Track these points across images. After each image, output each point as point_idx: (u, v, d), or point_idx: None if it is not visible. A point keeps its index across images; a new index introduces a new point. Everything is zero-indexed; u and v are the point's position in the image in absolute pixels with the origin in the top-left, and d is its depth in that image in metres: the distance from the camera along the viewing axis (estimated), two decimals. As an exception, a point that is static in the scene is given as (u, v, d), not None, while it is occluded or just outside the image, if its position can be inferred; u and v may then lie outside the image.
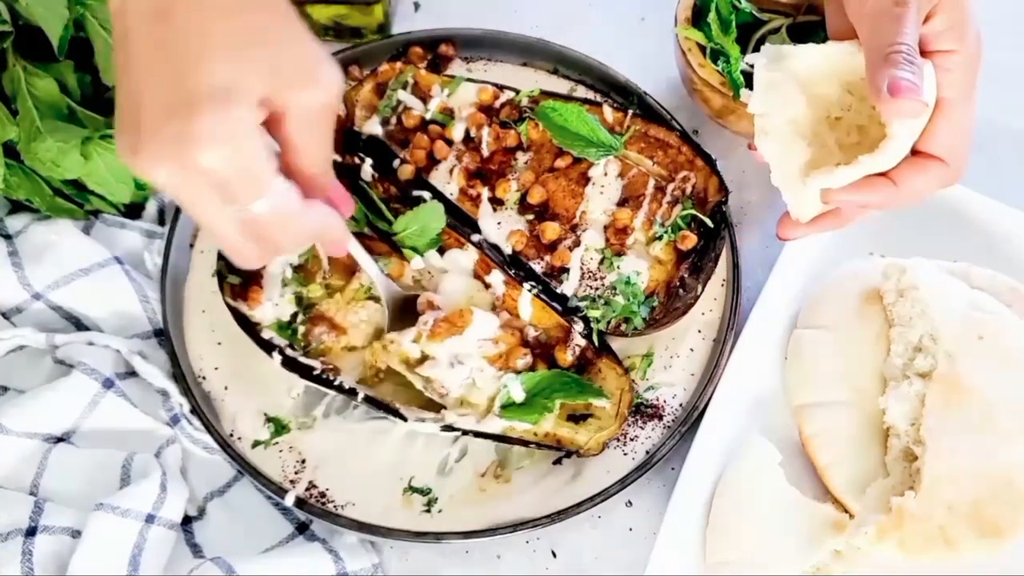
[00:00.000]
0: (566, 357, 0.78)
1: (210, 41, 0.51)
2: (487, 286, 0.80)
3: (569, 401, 0.75)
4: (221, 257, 0.79)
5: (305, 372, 0.76)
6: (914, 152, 0.64)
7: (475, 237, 0.82)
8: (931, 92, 0.62)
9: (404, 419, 0.74)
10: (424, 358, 0.76)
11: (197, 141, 0.50)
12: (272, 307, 0.79)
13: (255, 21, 0.53)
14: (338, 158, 0.84)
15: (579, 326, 0.79)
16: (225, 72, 0.51)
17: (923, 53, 0.62)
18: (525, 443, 0.75)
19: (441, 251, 0.81)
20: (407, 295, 0.79)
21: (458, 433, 0.76)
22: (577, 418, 0.77)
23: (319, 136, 0.57)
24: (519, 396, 0.75)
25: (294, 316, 0.79)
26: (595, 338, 0.79)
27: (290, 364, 0.76)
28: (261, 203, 0.54)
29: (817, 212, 0.66)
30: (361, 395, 0.75)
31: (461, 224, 0.83)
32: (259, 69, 0.52)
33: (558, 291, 0.80)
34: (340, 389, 0.76)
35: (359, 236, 0.81)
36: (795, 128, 0.65)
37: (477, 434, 0.74)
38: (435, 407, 0.76)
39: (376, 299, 0.80)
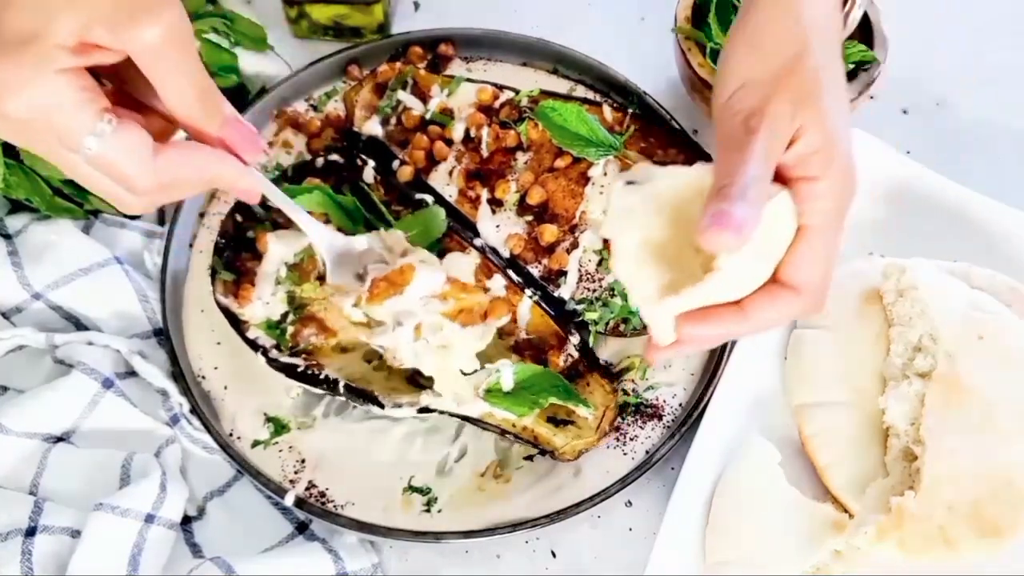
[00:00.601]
0: (558, 362, 0.78)
1: None
2: (486, 291, 0.79)
3: (558, 402, 0.75)
4: (216, 253, 0.79)
5: (290, 371, 0.76)
6: (774, 279, 0.60)
7: (477, 241, 0.81)
8: (788, 222, 0.58)
9: (381, 406, 0.74)
10: (370, 323, 0.74)
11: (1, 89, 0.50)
12: (263, 305, 0.78)
13: None
14: (339, 158, 0.84)
15: (575, 338, 0.79)
16: (28, 17, 0.50)
17: (786, 179, 0.59)
18: (501, 432, 0.75)
19: (441, 254, 0.81)
20: (348, 250, 0.75)
21: (458, 433, 0.76)
22: (558, 422, 0.77)
23: (173, 73, 0.54)
24: (508, 384, 0.74)
25: (284, 316, 0.79)
26: (592, 340, 0.79)
27: (274, 364, 0.76)
28: (90, 142, 0.53)
29: (674, 337, 0.61)
30: (342, 385, 0.75)
31: (460, 227, 0.82)
32: (71, 11, 0.51)
33: (555, 295, 0.80)
34: (323, 383, 0.75)
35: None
36: (652, 251, 0.61)
37: (453, 415, 0.74)
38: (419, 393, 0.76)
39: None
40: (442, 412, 0.74)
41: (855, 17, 0.75)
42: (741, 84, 0.59)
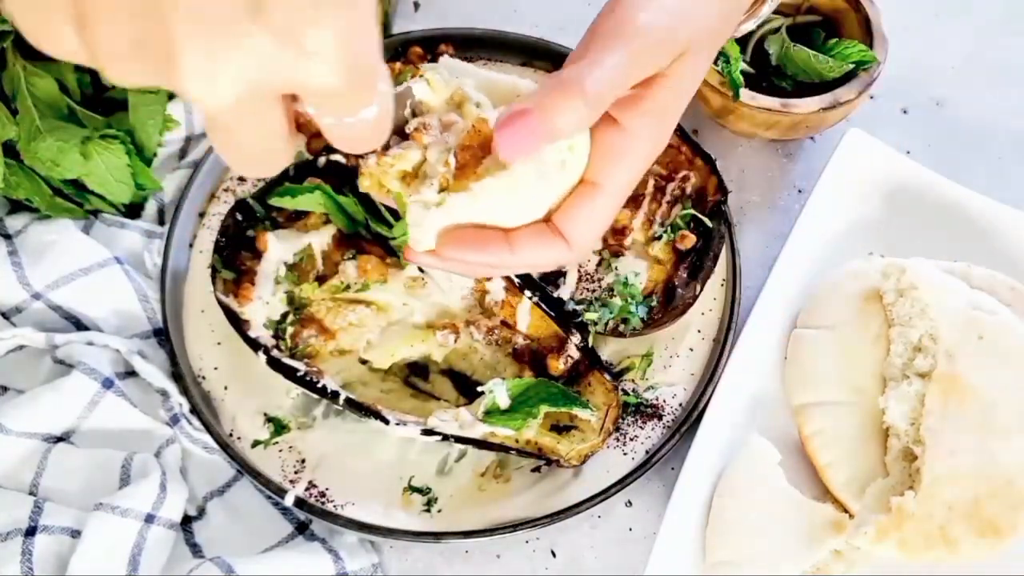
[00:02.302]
0: (558, 365, 0.78)
1: None
2: (485, 292, 0.79)
3: (553, 410, 0.74)
4: (216, 252, 0.79)
5: (290, 373, 0.76)
6: (546, 219, 0.56)
7: None
8: (576, 167, 0.55)
9: (386, 422, 0.73)
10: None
11: None
12: (263, 305, 0.78)
13: None
14: (341, 158, 0.84)
15: (576, 338, 0.79)
16: None
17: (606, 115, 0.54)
18: (506, 449, 0.75)
19: (442, 255, 0.81)
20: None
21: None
22: (561, 429, 0.77)
23: None
24: (504, 402, 0.74)
25: (284, 316, 0.79)
26: (591, 341, 0.79)
27: (275, 364, 0.76)
28: None
29: (432, 245, 0.57)
30: (343, 397, 0.74)
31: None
32: None
33: (555, 295, 0.80)
34: (323, 392, 0.75)
35: (357, 239, 0.81)
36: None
37: (458, 439, 0.73)
38: (419, 412, 0.76)
39: (366, 303, 0.79)
40: (446, 436, 0.74)
41: (764, 13, 0.71)
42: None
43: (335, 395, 0.74)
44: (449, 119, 0.56)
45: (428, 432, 0.73)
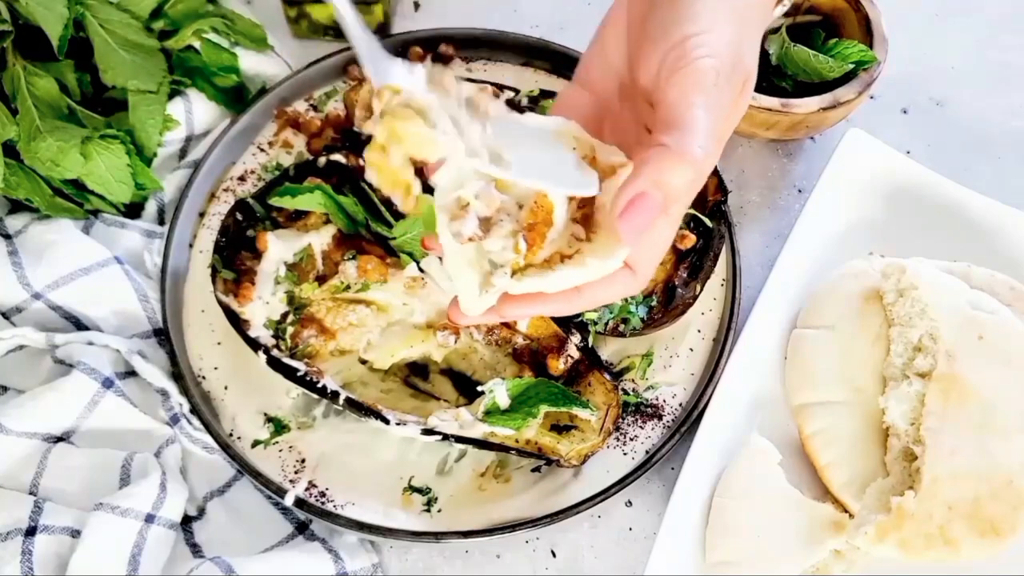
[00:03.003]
0: (558, 365, 0.78)
1: None
2: None
3: (553, 409, 0.75)
4: (216, 252, 0.79)
5: (290, 373, 0.76)
6: None
7: None
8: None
9: (387, 422, 0.74)
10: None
11: None
12: (263, 305, 0.78)
13: None
14: (341, 158, 0.84)
15: (576, 338, 0.79)
16: None
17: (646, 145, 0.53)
18: (506, 449, 0.75)
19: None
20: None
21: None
22: (561, 428, 0.77)
23: None
24: (504, 402, 0.75)
25: (284, 316, 0.79)
26: (591, 340, 0.79)
27: (275, 364, 0.76)
28: None
29: (486, 308, 0.56)
30: (343, 397, 0.75)
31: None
32: None
33: (555, 294, 0.80)
34: (323, 392, 0.75)
35: (357, 239, 0.81)
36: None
37: (458, 439, 0.74)
38: (419, 412, 0.76)
39: (366, 303, 0.79)
40: (446, 436, 0.74)
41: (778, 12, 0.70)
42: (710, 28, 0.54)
43: (335, 395, 0.74)
44: (501, 200, 0.54)
45: (428, 432, 0.73)
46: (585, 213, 0.55)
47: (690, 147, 0.51)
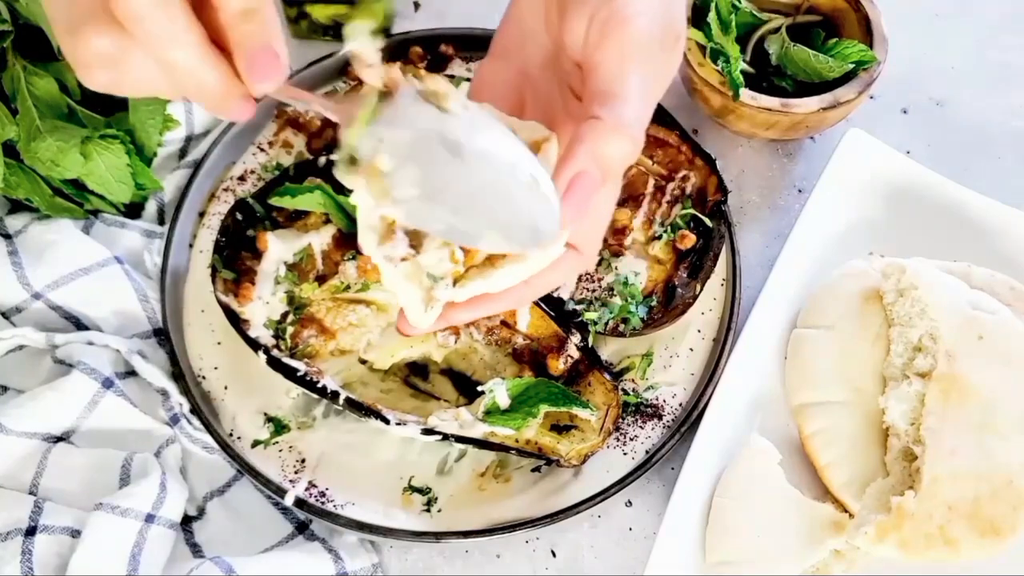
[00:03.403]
0: (558, 365, 0.78)
1: None
2: None
3: (553, 409, 0.75)
4: (216, 252, 0.79)
5: (290, 373, 0.76)
6: None
7: None
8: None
9: (387, 422, 0.74)
10: None
11: None
12: (263, 305, 0.78)
13: None
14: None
15: (576, 337, 0.79)
16: None
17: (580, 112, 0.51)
18: (506, 449, 0.75)
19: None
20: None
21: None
22: (561, 428, 0.77)
23: None
24: (504, 402, 0.75)
25: (284, 316, 0.79)
26: (591, 340, 0.79)
27: (275, 364, 0.76)
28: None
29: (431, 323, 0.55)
30: (343, 397, 0.75)
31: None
32: None
33: (555, 295, 0.80)
34: (323, 392, 0.75)
35: (357, 238, 0.81)
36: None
37: (458, 438, 0.74)
38: (419, 412, 0.76)
39: (366, 303, 0.79)
40: (446, 436, 0.74)
41: None
42: None
43: (335, 395, 0.74)
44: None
45: (428, 431, 0.73)
46: None
47: (626, 118, 0.49)
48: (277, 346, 0.78)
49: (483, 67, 0.59)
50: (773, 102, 0.85)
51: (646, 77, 0.51)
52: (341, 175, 0.49)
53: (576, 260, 0.55)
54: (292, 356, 0.77)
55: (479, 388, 0.75)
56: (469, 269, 0.52)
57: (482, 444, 0.74)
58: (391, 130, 0.48)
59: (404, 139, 0.48)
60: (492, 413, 0.74)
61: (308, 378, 0.75)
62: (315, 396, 0.76)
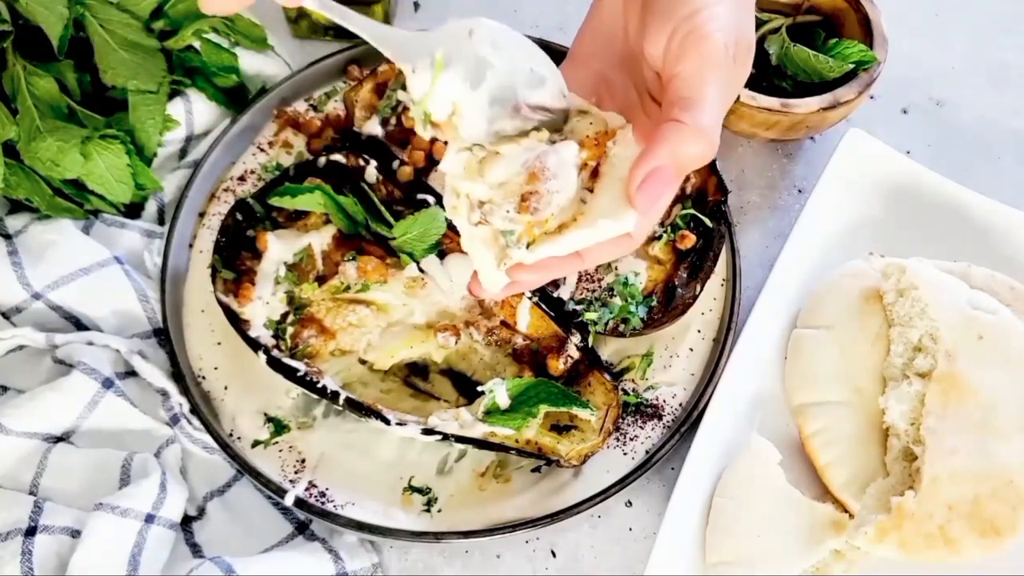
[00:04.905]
0: (558, 365, 0.78)
1: None
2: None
3: (553, 409, 0.75)
4: (216, 252, 0.79)
5: (290, 373, 0.76)
6: None
7: None
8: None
9: (387, 422, 0.74)
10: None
11: None
12: (263, 305, 0.78)
13: None
14: (341, 158, 0.84)
15: (576, 338, 0.79)
16: None
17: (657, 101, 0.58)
18: (506, 449, 0.75)
19: (442, 255, 0.81)
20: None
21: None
22: (561, 428, 0.77)
23: None
24: (504, 402, 0.75)
25: (284, 316, 0.79)
26: (591, 341, 0.79)
27: (275, 364, 0.76)
28: None
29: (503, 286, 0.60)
30: (343, 397, 0.75)
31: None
32: None
33: (554, 295, 0.80)
34: (323, 392, 0.75)
35: (357, 239, 0.81)
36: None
37: (458, 438, 0.74)
38: (419, 412, 0.76)
39: (366, 303, 0.79)
40: (446, 436, 0.74)
41: None
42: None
43: (335, 395, 0.74)
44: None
45: (428, 431, 0.73)
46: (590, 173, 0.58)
47: (704, 123, 0.54)
48: (277, 346, 0.78)
49: (564, 69, 0.64)
50: (773, 102, 0.85)
51: (721, 87, 0.56)
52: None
53: (628, 242, 0.59)
54: (292, 356, 0.77)
55: (479, 388, 0.75)
56: (540, 235, 0.57)
57: (482, 444, 0.74)
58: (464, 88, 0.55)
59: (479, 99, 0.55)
60: (492, 413, 0.74)
61: (308, 378, 0.75)
62: (315, 396, 0.76)
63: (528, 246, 0.57)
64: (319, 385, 0.75)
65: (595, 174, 0.58)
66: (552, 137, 0.58)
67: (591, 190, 0.57)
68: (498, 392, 0.74)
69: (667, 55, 0.57)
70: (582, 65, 0.64)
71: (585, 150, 0.57)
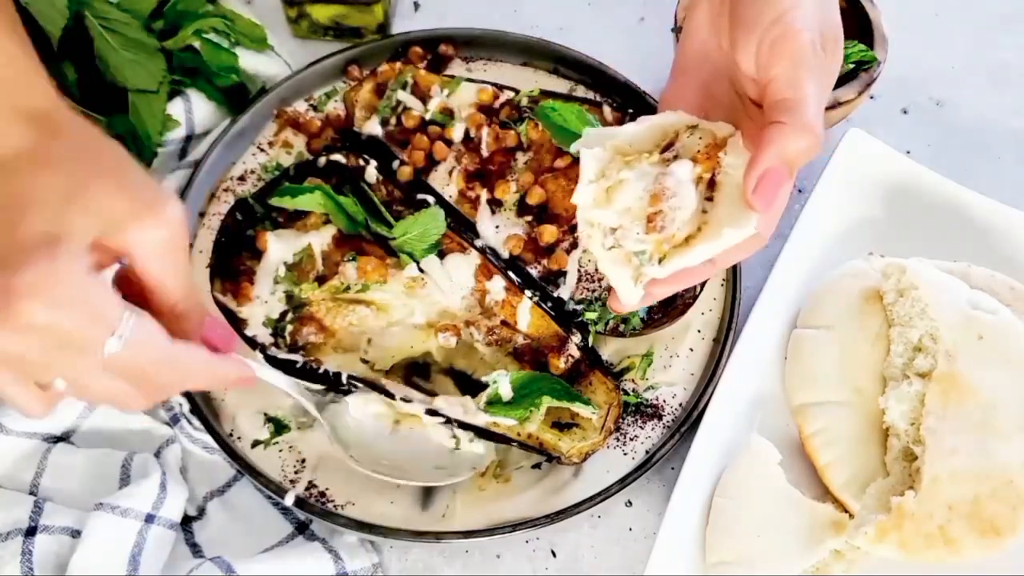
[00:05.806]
0: (559, 363, 0.78)
1: (38, 193, 0.51)
2: (485, 292, 0.79)
3: (556, 404, 0.75)
4: (216, 252, 0.79)
5: (288, 368, 0.76)
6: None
7: (477, 242, 0.81)
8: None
9: (392, 397, 0.74)
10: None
11: (22, 295, 0.48)
12: (261, 304, 0.78)
13: (85, 169, 0.52)
14: (341, 158, 0.84)
15: (576, 337, 0.79)
16: (50, 221, 0.50)
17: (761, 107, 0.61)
18: (508, 440, 0.75)
19: (441, 255, 0.81)
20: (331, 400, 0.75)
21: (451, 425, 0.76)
22: (562, 426, 0.77)
23: (171, 271, 0.56)
24: (507, 394, 0.75)
25: (283, 315, 0.79)
26: (591, 340, 0.79)
27: (273, 362, 0.76)
28: (112, 343, 0.52)
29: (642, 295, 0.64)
30: (345, 376, 0.75)
31: (460, 227, 0.82)
32: (87, 214, 0.51)
33: (555, 295, 0.80)
34: (324, 378, 0.75)
35: (357, 239, 0.81)
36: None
37: (461, 424, 0.74)
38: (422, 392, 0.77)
39: (366, 303, 0.79)
40: (450, 420, 0.74)
41: None
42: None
43: (336, 378, 0.74)
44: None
45: (432, 412, 0.73)
46: (708, 184, 0.62)
47: (807, 119, 0.57)
48: (276, 344, 0.78)
49: (668, 87, 0.69)
50: (773, 102, 0.84)
51: (816, 81, 0.58)
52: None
53: (757, 242, 0.62)
54: (291, 350, 0.77)
55: (483, 379, 0.75)
56: (670, 249, 0.61)
57: (485, 433, 0.74)
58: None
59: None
60: (495, 404, 0.75)
61: (307, 367, 0.75)
62: (316, 390, 0.76)
63: (660, 261, 0.61)
64: (319, 371, 0.75)
65: (712, 184, 0.61)
66: (664, 156, 0.62)
67: (711, 199, 0.61)
68: (501, 383, 0.74)
69: (759, 62, 0.60)
70: (684, 84, 0.68)
71: (699, 165, 0.61)
